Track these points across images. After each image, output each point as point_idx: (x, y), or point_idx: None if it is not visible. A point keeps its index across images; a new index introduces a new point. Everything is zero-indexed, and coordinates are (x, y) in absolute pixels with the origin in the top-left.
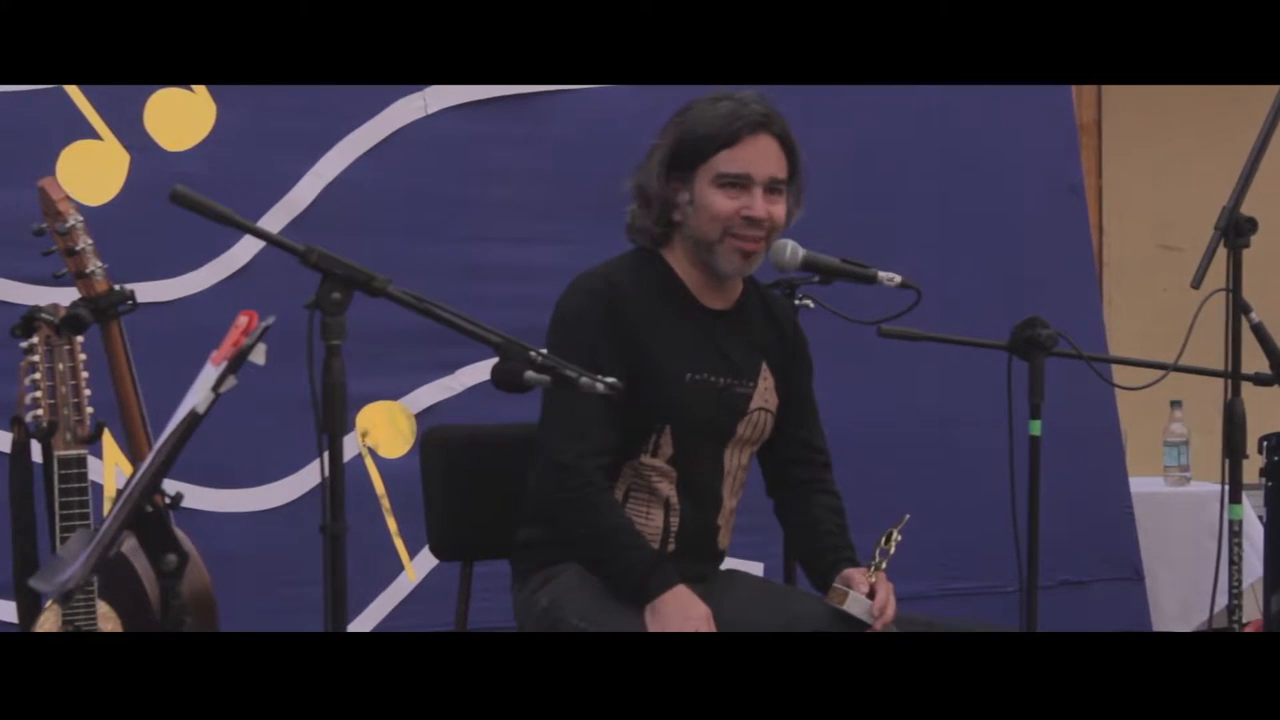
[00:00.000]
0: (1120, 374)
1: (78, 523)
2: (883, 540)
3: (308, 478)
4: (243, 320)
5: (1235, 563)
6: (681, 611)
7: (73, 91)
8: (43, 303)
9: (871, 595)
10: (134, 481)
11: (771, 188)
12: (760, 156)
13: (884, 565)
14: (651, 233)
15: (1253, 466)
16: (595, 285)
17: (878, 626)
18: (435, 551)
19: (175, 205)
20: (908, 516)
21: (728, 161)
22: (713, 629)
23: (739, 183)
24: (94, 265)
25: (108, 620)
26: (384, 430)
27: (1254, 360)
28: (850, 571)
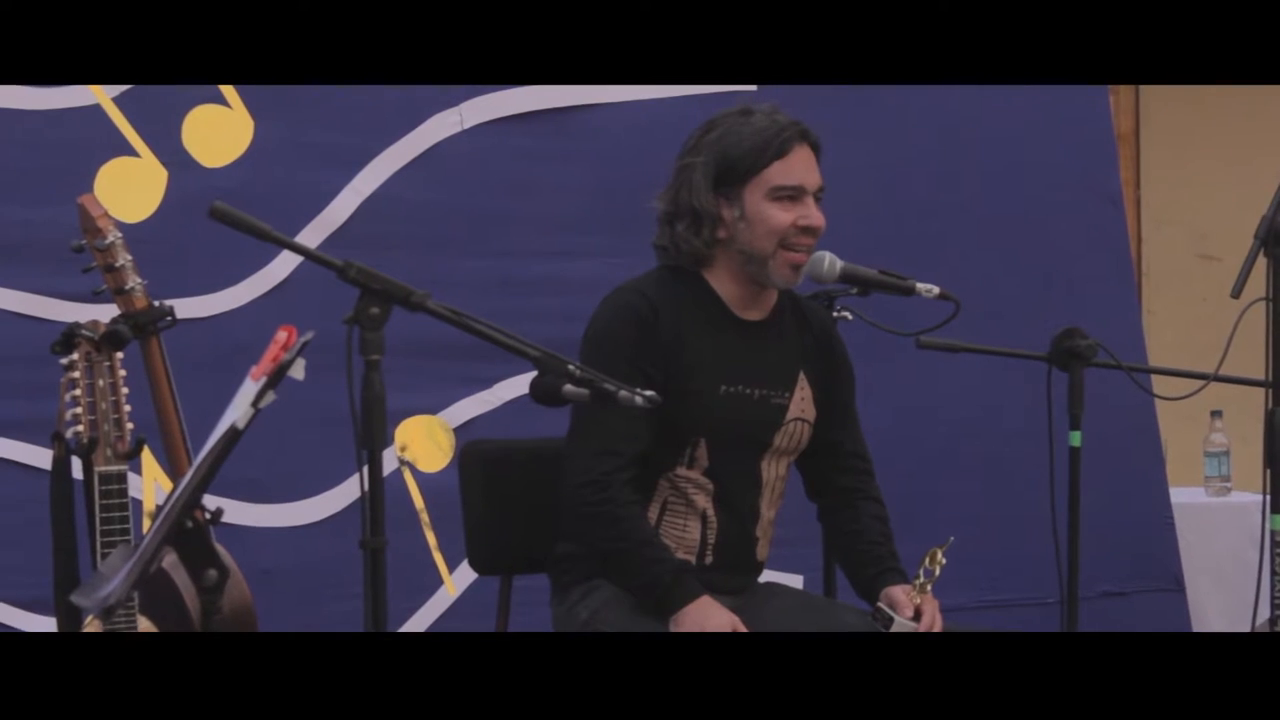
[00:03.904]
0: (1160, 384)
1: (118, 539)
2: (926, 560)
3: (347, 492)
4: (282, 335)
5: (1277, 573)
6: (702, 621)
7: (110, 109)
8: (82, 319)
9: (917, 617)
10: (174, 497)
11: (817, 197)
12: (807, 167)
13: (929, 586)
14: (699, 253)
15: None
16: (629, 299)
17: None
18: (474, 565)
19: (214, 221)
20: (952, 539)
21: (782, 174)
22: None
23: (793, 194)
24: (133, 281)
25: None
26: (423, 444)
27: None
28: (893, 591)
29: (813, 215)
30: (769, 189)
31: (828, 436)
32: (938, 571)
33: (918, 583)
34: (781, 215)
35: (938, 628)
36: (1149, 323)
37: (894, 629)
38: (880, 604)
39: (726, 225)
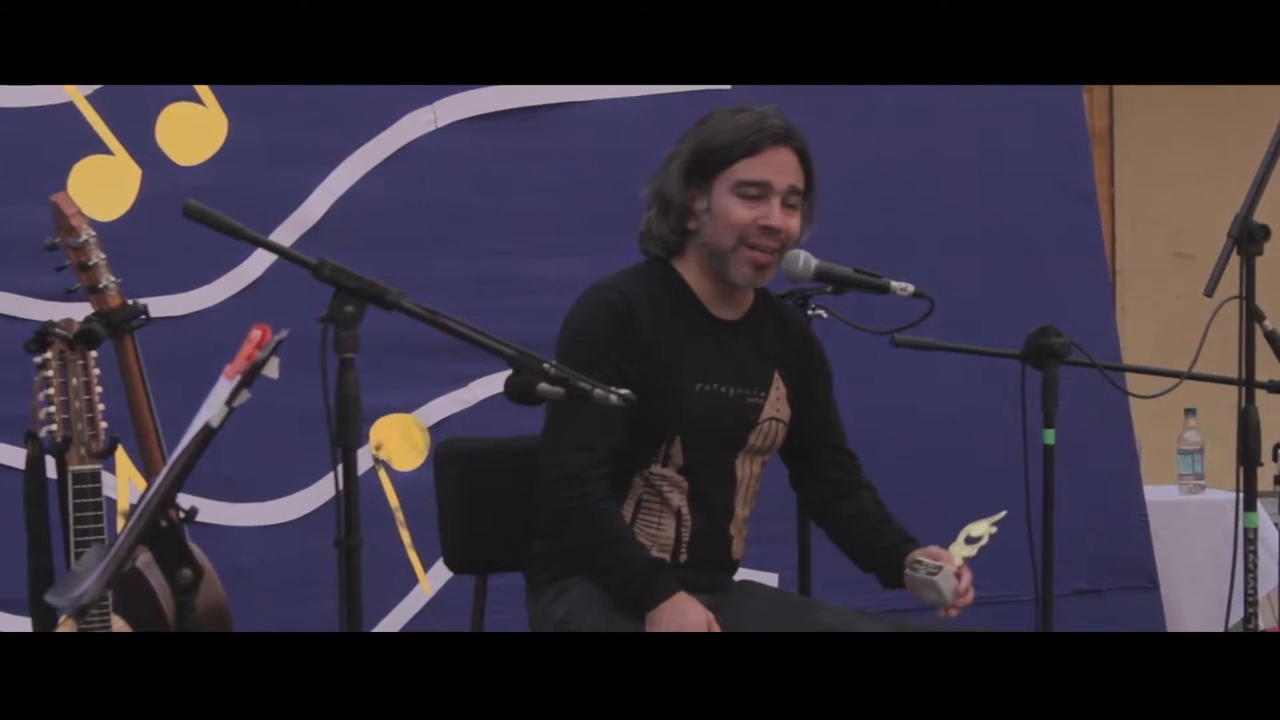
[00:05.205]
0: (1134, 382)
1: (92, 538)
2: (973, 530)
3: (322, 491)
4: (256, 334)
5: (1251, 570)
6: (678, 618)
7: (83, 107)
8: (56, 318)
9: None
10: (148, 496)
11: (788, 200)
12: (780, 167)
13: (973, 554)
14: (666, 240)
15: (1267, 474)
16: (605, 296)
17: (953, 611)
18: (449, 564)
19: (187, 219)
20: (1004, 513)
21: (748, 170)
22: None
23: (758, 192)
24: (107, 280)
25: None
26: (398, 443)
27: (1268, 367)
28: (934, 549)
29: (774, 216)
30: (733, 183)
31: (815, 436)
32: (985, 541)
33: (968, 543)
34: (743, 211)
35: (970, 596)
36: (1123, 321)
37: (940, 577)
38: (920, 556)
39: (696, 216)
